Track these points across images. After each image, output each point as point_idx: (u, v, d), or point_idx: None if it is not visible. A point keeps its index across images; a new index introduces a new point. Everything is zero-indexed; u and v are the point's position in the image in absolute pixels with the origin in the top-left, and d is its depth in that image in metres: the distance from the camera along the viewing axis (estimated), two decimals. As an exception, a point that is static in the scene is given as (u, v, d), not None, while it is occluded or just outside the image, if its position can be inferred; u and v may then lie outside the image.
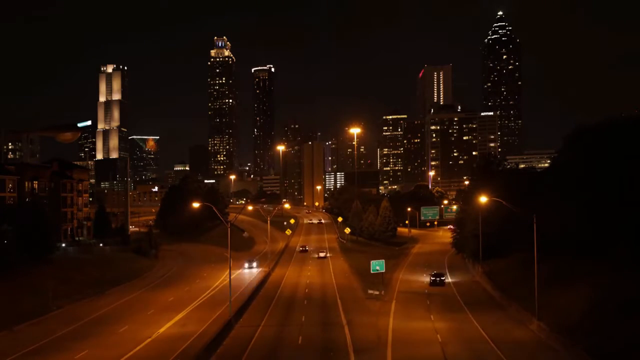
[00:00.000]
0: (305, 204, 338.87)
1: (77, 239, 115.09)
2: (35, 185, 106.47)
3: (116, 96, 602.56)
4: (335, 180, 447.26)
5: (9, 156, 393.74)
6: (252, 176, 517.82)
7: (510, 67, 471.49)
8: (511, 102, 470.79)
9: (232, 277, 56.06)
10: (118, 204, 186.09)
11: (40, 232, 75.85)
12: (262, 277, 77.09)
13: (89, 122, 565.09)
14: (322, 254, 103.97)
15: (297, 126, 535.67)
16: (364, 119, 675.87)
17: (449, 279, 73.95)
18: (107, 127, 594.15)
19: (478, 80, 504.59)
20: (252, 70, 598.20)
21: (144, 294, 69.77)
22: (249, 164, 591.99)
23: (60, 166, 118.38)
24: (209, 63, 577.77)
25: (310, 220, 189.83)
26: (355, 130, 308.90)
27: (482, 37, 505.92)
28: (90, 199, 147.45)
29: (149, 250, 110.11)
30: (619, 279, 42.37)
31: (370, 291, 63.71)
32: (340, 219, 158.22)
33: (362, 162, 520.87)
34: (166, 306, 60.25)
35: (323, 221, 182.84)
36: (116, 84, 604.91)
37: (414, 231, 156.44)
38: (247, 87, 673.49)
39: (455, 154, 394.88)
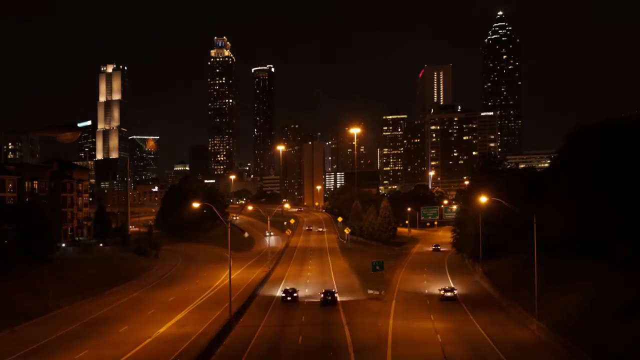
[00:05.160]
0: (305, 203, 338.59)
1: (77, 239, 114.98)
2: (35, 185, 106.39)
3: (116, 96, 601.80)
4: (335, 180, 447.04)
5: (9, 156, 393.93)
6: (252, 176, 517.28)
7: (510, 67, 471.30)
8: (511, 102, 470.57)
9: (232, 276, 56.06)
10: (118, 204, 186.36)
11: (41, 232, 75.78)
12: (262, 277, 77.06)
13: (89, 122, 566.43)
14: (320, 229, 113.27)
15: (297, 126, 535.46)
16: (364, 119, 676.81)
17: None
18: (107, 127, 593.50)
19: (478, 80, 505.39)
20: (252, 70, 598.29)
21: (144, 294, 69.75)
22: (249, 164, 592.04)
23: (60, 166, 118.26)
24: (209, 63, 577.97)
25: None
26: (355, 130, 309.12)
27: (482, 37, 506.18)
28: (90, 199, 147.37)
29: (149, 250, 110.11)
30: (619, 279, 42.38)
31: (370, 291, 63.72)
32: (340, 219, 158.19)
33: (362, 162, 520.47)
34: (166, 306, 60.24)
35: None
36: (116, 84, 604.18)
37: (414, 231, 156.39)
38: (247, 87, 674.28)
39: (455, 154, 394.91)
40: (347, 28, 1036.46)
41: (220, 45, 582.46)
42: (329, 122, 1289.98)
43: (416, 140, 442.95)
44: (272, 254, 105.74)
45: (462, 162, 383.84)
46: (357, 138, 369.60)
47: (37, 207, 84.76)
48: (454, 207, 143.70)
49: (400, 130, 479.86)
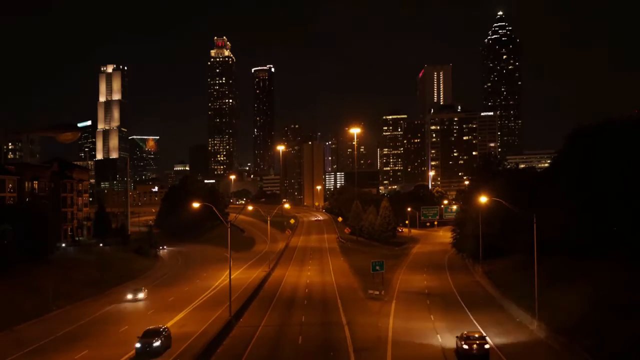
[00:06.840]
0: (305, 204, 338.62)
1: (77, 239, 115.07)
2: (35, 185, 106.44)
3: (116, 96, 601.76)
4: (335, 180, 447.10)
5: (9, 156, 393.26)
6: (252, 176, 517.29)
7: (510, 67, 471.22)
8: (511, 102, 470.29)
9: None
10: (118, 204, 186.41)
11: (40, 232, 75.84)
12: (262, 277, 77.09)
13: (89, 122, 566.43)
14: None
15: (297, 126, 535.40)
16: (364, 119, 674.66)
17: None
18: (107, 127, 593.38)
19: (478, 80, 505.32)
20: (252, 70, 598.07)
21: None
22: (249, 164, 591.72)
23: (60, 166, 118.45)
24: (209, 63, 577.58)
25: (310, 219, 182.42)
26: (355, 130, 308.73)
27: (482, 37, 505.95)
28: (90, 199, 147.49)
29: (149, 250, 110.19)
30: (618, 279, 42.39)
31: (370, 291, 63.70)
32: (340, 219, 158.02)
33: (362, 162, 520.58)
34: (166, 306, 60.28)
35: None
36: (116, 84, 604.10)
37: (414, 231, 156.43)
38: (247, 87, 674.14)
39: (455, 154, 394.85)
40: (347, 28, 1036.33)
41: (220, 45, 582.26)
42: (329, 122, 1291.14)
43: (416, 140, 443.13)
44: (272, 253, 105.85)
45: (462, 162, 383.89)
46: (357, 138, 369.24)
47: (37, 207, 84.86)
48: (454, 207, 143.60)
49: (400, 130, 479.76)
